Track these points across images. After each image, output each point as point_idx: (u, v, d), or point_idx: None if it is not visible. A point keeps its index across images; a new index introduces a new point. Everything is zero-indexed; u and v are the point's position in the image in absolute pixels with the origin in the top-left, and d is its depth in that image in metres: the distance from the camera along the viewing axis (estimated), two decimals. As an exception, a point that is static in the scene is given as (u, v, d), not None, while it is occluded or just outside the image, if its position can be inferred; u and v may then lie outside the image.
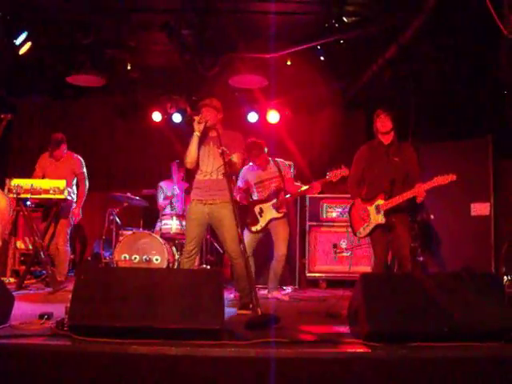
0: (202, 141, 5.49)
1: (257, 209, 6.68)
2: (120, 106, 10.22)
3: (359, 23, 7.24)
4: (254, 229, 6.63)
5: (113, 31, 7.79)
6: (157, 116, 9.95)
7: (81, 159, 7.42)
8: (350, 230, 7.70)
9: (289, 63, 8.10)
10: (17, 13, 7.20)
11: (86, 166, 7.47)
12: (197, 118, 5.35)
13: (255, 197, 6.81)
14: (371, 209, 5.50)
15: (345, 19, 7.21)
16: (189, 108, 9.28)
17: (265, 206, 6.67)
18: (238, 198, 6.68)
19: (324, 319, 5.06)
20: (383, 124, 5.58)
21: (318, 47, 7.84)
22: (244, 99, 9.42)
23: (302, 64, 8.05)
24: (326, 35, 7.54)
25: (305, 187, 6.69)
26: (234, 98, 9.27)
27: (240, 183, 6.87)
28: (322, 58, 7.93)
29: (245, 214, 6.65)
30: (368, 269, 8.04)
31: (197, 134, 5.37)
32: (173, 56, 8.17)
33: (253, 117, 9.68)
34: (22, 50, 7.56)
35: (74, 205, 7.21)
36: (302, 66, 8.09)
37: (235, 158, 5.38)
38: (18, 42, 7.44)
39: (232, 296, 6.43)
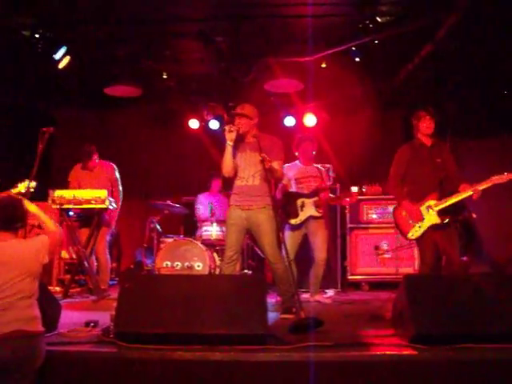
0: (237, 147, 5.52)
1: (299, 202, 6.66)
2: (157, 115, 10.31)
3: (393, 22, 7.17)
4: (293, 221, 6.61)
5: (148, 42, 7.87)
6: (194, 123, 9.98)
7: (113, 165, 7.48)
8: (391, 231, 7.76)
9: (324, 66, 8.06)
10: (56, 28, 7.34)
11: (126, 176, 7.55)
12: (227, 128, 5.39)
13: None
14: (422, 209, 5.41)
15: (378, 19, 7.15)
16: (225, 114, 9.32)
17: (306, 201, 6.65)
18: (278, 195, 6.71)
19: (368, 322, 5.03)
20: (427, 125, 5.53)
21: (353, 48, 7.79)
22: (280, 103, 9.41)
23: (338, 66, 8.00)
24: (361, 36, 7.48)
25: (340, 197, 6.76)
26: (270, 103, 9.26)
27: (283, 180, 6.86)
28: (357, 59, 7.88)
29: (287, 206, 6.67)
30: (411, 270, 7.95)
31: (229, 143, 5.40)
32: (208, 63, 8.22)
33: (290, 121, 9.65)
34: (62, 64, 7.69)
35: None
36: (337, 68, 8.04)
37: (276, 165, 5.41)
38: (57, 56, 7.57)
39: (274, 300, 6.42)
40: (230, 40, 7.55)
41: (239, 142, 5.51)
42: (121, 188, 7.44)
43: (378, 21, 7.16)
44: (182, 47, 8.14)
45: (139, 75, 8.52)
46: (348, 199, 6.91)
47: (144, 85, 8.65)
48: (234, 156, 5.50)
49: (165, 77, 8.81)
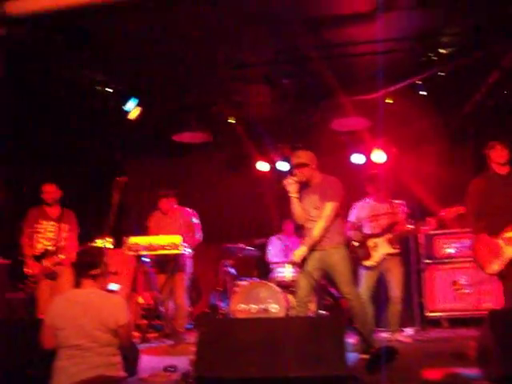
0: (304, 191, 5.56)
1: (370, 243, 6.56)
2: (227, 159, 10.44)
3: (457, 53, 7.10)
4: (367, 263, 6.51)
5: (215, 88, 8.05)
6: (263, 166, 10.00)
7: (191, 211, 7.57)
8: (468, 265, 7.51)
9: (389, 101, 8.02)
10: (126, 82, 7.63)
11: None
12: (286, 182, 5.47)
13: (367, 231, 6.70)
14: (501, 242, 5.23)
15: (441, 51, 7.09)
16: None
17: (379, 240, 6.54)
18: (349, 235, 6.63)
19: (450, 361, 4.86)
20: (500, 155, 5.41)
21: (418, 82, 7.72)
22: (348, 141, 9.37)
23: (404, 101, 7.95)
24: (424, 69, 7.43)
25: (418, 225, 6.57)
26: (338, 142, 9.24)
27: (352, 217, 6.78)
28: (422, 93, 7.80)
29: (358, 249, 6.57)
30: (492, 305, 7.65)
31: (293, 195, 5.47)
32: (274, 106, 8.32)
33: (358, 158, 9.57)
34: (132, 115, 7.95)
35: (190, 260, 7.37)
36: (403, 103, 7.98)
37: (328, 205, 5.38)
38: (128, 108, 7.84)
39: (352, 340, 6.29)
40: (295, 82, 7.64)
41: (303, 187, 5.56)
42: (201, 234, 7.49)
43: (441, 52, 7.10)
44: (249, 91, 8.29)
45: (207, 121, 8.71)
46: (426, 227, 6.69)
47: (212, 130, 8.82)
48: (302, 200, 5.54)
49: (232, 121, 8.95)
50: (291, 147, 9.34)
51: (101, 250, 4.01)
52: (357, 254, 6.49)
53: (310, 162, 5.51)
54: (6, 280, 7.72)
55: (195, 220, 7.51)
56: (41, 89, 7.33)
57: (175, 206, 7.54)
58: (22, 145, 8.01)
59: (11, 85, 5.86)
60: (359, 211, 6.76)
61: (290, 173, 5.57)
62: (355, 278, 5.89)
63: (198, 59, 7.16)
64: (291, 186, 5.43)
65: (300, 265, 5.47)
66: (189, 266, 7.35)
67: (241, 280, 7.93)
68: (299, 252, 5.44)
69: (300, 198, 5.52)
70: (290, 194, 5.45)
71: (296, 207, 5.50)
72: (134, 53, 6.94)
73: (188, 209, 7.60)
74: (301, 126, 8.87)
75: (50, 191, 6.85)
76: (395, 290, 6.49)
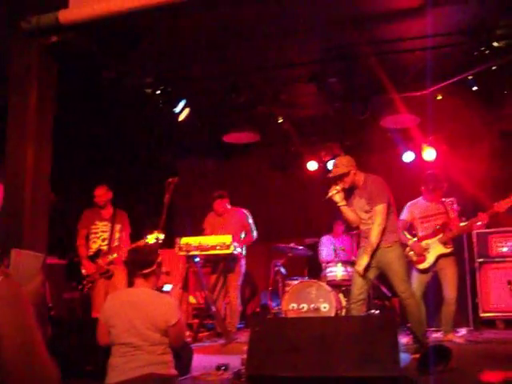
0: (351, 195, 5.59)
1: (423, 245, 6.47)
2: (275, 158, 10.47)
3: (511, 46, 6.92)
4: (421, 266, 6.43)
5: (263, 88, 8.08)
6: (312, 165, 10.02)
7: (245, 212, 7.68)
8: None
9: (440, 98, 7.89)
10: (175, 83, 7.71)
11: (249, 219, 7.70)
12: (331, 193, 5.48)
13: (420, 232, 6.61)
14: None
15: (495, 44, 6.92)
16: (343, 154, 9.30)
17: (431, 241, 6.45)
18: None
19: (507, 363, 4.74)
20: None
21: (469, 77, 7.57)
22: (398, 139, 9.26)
23: (454, 96, 7.81)
24: (477, 64, 7.28)
25: (472, 222, 6.43)
26: (387, 139, 9.15)
27: (404, 216, 6.69)
28: (474, 88, 7.64)
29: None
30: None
31: (341, 203, 5.50)
32: (323, 105, 8.30)
33: (408, 156, 9.46)
34: (181, 117, 8.04)
35: (243, 259, 7.43)
36: (454, 99, 7.84)
37: (379, 208, 5.37)
38: (177, 109, 7.93)
39: (404, 341, 6.22)
40: (343, 80, 7.59)
41: (349, 193, 5.58)
42: (255, 234, 7.61)
43: (494, 46, 6.93)
44: (296, 91, 8.28)
45: (256, 121, 8.74)
46: (479, 223, 6.51)
47: (261, 130, 8.85)
48: (351, 204, 5.57)
49: (281, 121, 8.96)
50: (340, 145, 9.34)
51: (153, 248, 4.05)
52: (410, 258, 6.41)
53: (350, 168, 5.50)
54: (62, 280, 7.93)
55: (250, 220, 7.58)
56: (92, 92, 7.49)
57: (229, 207, 7.65)
58: (74, 147, 8.20)
59: (63, 88, 5.99)
60: (411, 210, 6.67)
61: (333, 182, 5.54)
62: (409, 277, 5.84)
63: (247, 59, 7.20)
64: (336, 196, 5.46)
65: (361, 272, 5.44)
66: (241, 265, 7.41)
67: (292, 279, 7.95)
68: (362, 262, 5.40)
69: (349, 203, 5.56)
70: (338, 204, 5.47)
71: (348, 214, 5.54)
72: (183, 54, 7.01)
73: (243, 209, 7.68)
74: (350, 124, 8.82)
75: (101, 194, 7.04)
76: (449, 290, 6.38)
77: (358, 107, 7.94)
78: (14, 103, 5.56)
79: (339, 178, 5.48)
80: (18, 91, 5.59)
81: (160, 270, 3.93)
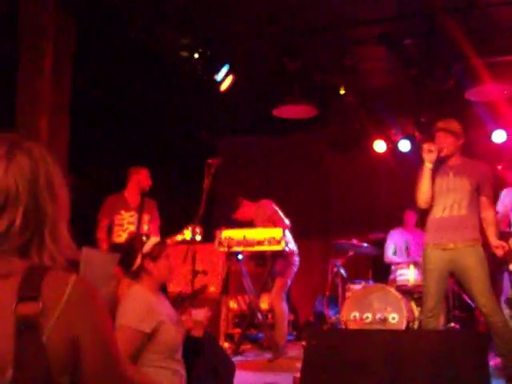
0: (436, 171, 5.35)
1: None
2: (336, 138, 10.38)
3: None
4: (511, 267, 6.26)
5: (322, 52, 7.97)
6: (380, 146, 9.97)
7: (268, 200, 7.54)
8: None
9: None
10: (216, 46, 7.66)
11: (299, 211, 7.62)
12: (426, 147, 5.23)
13: None
14: None
15: None
16: (418, 133, 9.15)
17: None
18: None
19: None
20: None
21: None
22: (486, 115, 9.05)
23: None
24: None
25: None
26: (473, 116, 8.95)
27: (499, 207, 6.55)
28: None
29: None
30: None
31: (428, 165, 5.26)
32: (395, 72, 8.14)
33: (499, 136, 9.25)
34: (224, 86, 7.98)
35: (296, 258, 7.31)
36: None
37: (485, 199, 5.23)
38: (219, 77, 7.86)
39: (493, 363, 6.06)
40: (422, 42, 7.41)
41: (438, 164, 5.34)
42: (287, 221, 7.36)
43: None
44: (362, 55, 8.14)
45: (313, 92, 8.63)
46: None
47: (318, 103, 8.74)
48: (433, 182, 5.34)
49: (342, 92, 8.85)
50: (414, 122, 9.16)
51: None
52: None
53: (460, 136, 5.35)
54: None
55: (275, 207, 7.45)
56: (116, 57, 7.49)
57: (250, 206, 7.53)
58: (96, 122, 8.25)
59: (83, 52, 5.99)
60: (506, 197, 6.54)
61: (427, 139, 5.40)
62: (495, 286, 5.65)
63: (303, 16, 7.09)
64: (431, 154, 5.24)
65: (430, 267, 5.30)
66: (293, 265, 7.30)
67: (353, 283, 7.89)
68: None
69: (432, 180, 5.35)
70: (426, 163, 5.27)
71: (427, 183, 5.28)
72: (227, 9, 6.95)
73: (265, 200, 7.59)
74: (427, 96, 8.65)
75: (148, 178, 6.97)
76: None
77: (438, 75, 7.77)
78: (25, 69, 5.53)
79: (445, 133, 5.31)
80: (30, 55, 5.56)
81: (159, 266, 3.77)
